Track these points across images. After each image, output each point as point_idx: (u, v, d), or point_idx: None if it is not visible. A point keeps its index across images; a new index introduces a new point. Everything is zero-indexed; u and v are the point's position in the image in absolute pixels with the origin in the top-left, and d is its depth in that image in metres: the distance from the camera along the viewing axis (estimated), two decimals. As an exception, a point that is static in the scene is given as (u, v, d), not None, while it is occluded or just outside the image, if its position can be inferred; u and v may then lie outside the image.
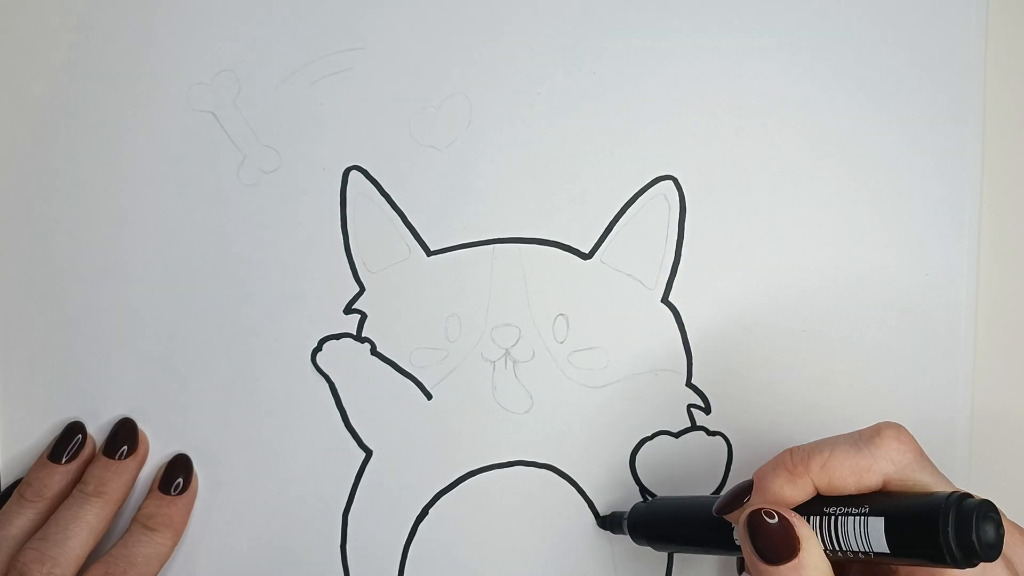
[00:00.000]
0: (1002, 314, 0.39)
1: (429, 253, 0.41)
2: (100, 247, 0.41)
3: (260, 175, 0.41)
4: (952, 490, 0.28)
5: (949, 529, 0.26)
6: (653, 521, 0.37)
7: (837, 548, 0.30)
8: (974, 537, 0.26)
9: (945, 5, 0.39)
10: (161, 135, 0.41)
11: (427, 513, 0.41)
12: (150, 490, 0.41)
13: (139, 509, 0.40)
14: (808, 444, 0.32)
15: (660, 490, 0.40)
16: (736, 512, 0.33)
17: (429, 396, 0.41)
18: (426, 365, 0.41)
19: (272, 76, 0.41)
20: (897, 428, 0.31)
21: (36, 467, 0.41)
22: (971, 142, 0.39)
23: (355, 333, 0.41)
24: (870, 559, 0.29)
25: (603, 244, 0.40)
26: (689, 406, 0.40)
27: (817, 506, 0.31)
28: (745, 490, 0.33)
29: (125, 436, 0.41)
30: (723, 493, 0.34)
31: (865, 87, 0.39)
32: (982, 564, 0.28)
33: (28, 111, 0.41)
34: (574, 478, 0.40)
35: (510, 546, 0.41)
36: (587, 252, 0.40)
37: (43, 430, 0.42)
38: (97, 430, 0.41)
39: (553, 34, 0.40)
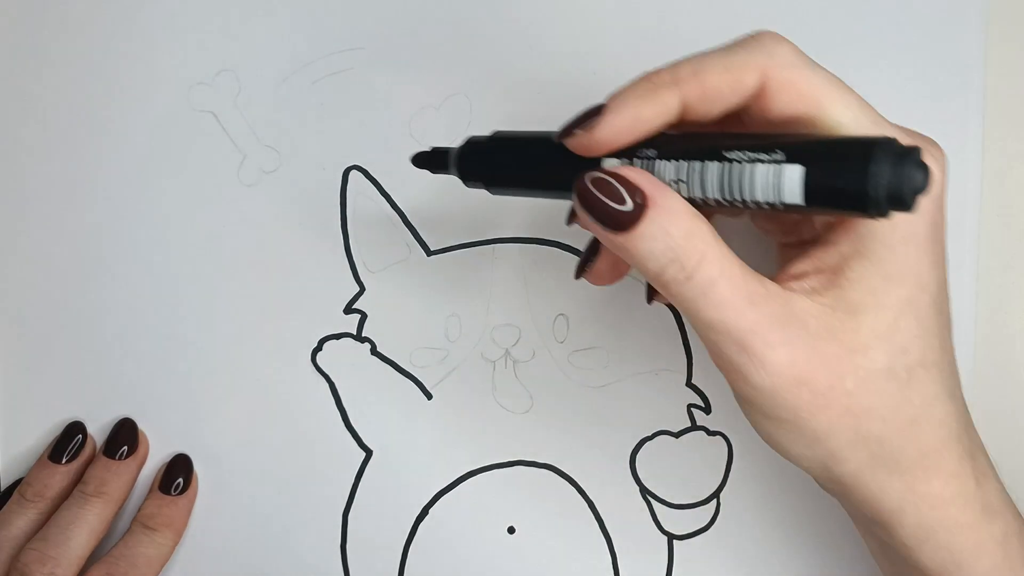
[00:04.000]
0: (1002, 314, 0.39)
1: (429, 253, 0.41)
2: (100, 247, 0.41)
3: (260, 175, 0.41)
4: (870, 132, 0.26)
5: (881, 178, 0.23)
6: (494, 150, 0.31)
7: (735, 199, 0.26)
8: (903, 183, 0.23)
9: (945, 5, 0.39)
10: (161, 135, 0.41)
11: (427, 513, 0.41)
12: (150, 490, 0.41)
13: (139, 509, 0.40)
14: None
15: (660, 490, 0.40)
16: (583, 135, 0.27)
17: (429, 396, 0.41)
18: (426, 365, 0.41)
19: (272, 76, 0.41)
20: (774, 33, 0.28)
21: (36, 467, 0.41)
22: (971, 141, 0.39)
23: (355, 333, 0.41)
24: (769, 210, 0.26)
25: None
26: (689, 406, 0.40)
27: (713, 150, 0.26)
28: (595, 110, 0.27)
29: (125, 436, 0.41)
30: (572, 120, 0.28)
31: (865, 87, 0.39)
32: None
33: (28, 111, 0.41)
34: (574, 478, 0.41)
35: (510, 546, 0.41)
36: (587, 252, 0.40)
37: (43, 430, 0.42)
38: (97, 430, 0.41)
39: (554, 34, 0.40)
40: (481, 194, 0.40)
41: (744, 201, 0.26)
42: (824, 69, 0.28)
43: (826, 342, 0.27)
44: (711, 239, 0.27)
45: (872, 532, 0.32)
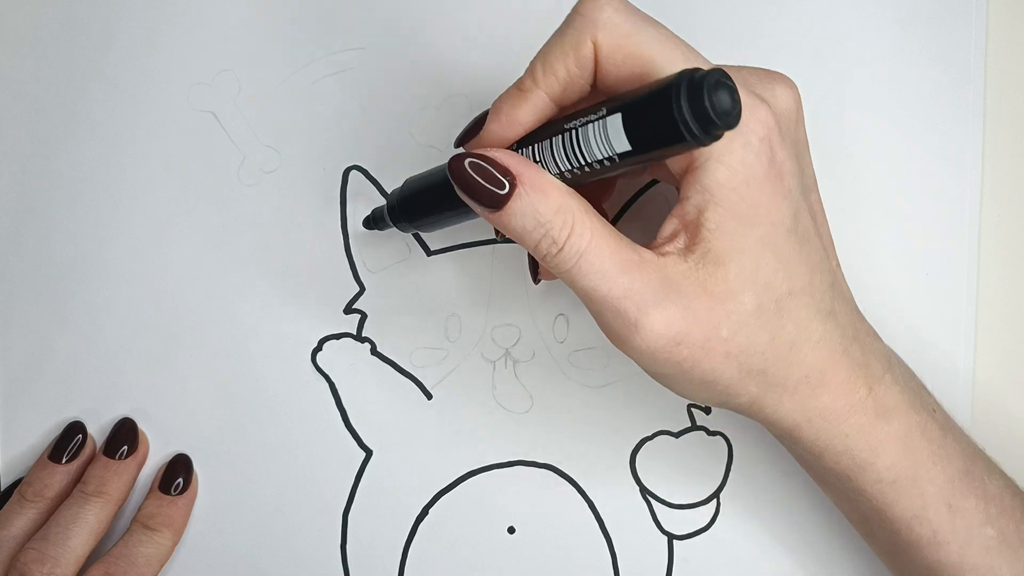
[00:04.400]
0: (1002, 314, 0.39)
1: (429, 253, 0.41)
2: (100, 247, 0.41)
3: (260, 175, 0.41)
4: (684, 66, 0.27)
5: (683, 103, 0.25)
6: (407, 196, 0.35)
7: (583, 163, 0.28)
8: (708, 105, 0.25)
9: (945, 5, 0.39)
10: (161, 135, 0.41)
11: (427, 513, 0.41)
12: (150, 490, 0.41)
13: (139, 509, 0.40)
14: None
15: (660, 490, 0.40)
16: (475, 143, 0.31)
17: (429, 396, 0.41)
18: (426, 365, 0.41)
19: (272, 76, 0.41)
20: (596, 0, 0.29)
21: (36, 467, 0.41)
22: (971, 142, 0.39)
23: (355, 333, 0.41)
24: (617, 165, 0.28)
25: (603, 244, 0.40)
26: (689, 406, 0.40)
27: (558, 125, 0.29)
28: (480, 119, 0.31)
29: (125, 436, 0.41)
30: (466, 126, 0.31)
31: (865, 87, 0.39)
32: (731, 134, 0.27)
33: (28, 111, 0.41)
34: (574, 478, 0.41)
35: (510, 546, 0.41)
36: (587, 252, 0.40)
37: (43, 430, 0.42)
38: (97, 430, 0.41)
39: (553, 34, 0.40)
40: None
41: (589, 163, 0.28)
42: (651, 22, 0.29)
43: (698, 298, 0.29)
44: (580, 212, 0.29)
45: (787, 446, 0.34)
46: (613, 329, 0.29)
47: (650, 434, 0.40)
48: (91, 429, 0.41)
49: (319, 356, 0.41)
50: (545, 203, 0.28)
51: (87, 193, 0.41)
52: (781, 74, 0.31)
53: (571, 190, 0.29)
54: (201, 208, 0.41)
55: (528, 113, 0.30)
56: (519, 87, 0.30)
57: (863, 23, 0.39)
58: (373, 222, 0.38)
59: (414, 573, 0.41)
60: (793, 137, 0.30)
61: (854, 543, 0.40)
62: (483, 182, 0.29)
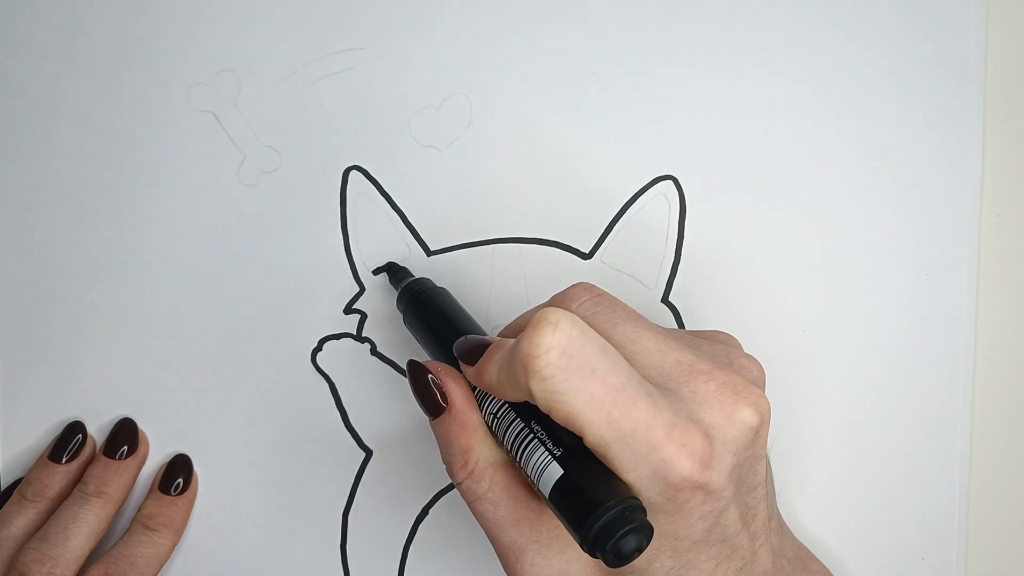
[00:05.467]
0: (1002, 314, 0.39)
1: (429, 253, 0.41)
2: (100, 247, 0.41)
3: (260, 175, 0.41)
4: (625, 493, 0.27)
5: (591, 533, 0.26)
6: (415, 309, 0.37)
7: (518, 456, 0.29)
8: (610, 547, 0.26)
9: (945, 5, 0.39)
10: (161, 135, 0.41)
11: (427, 513, 0.41)
12: (150, 490, 0.41)
13: (139, 509, 0.40)
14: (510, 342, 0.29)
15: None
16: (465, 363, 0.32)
17: (429, 396, 0.41)
18: (426, 365, 0.41)
19: (272, 76, 0.41)
20: (543, 323, 0.27)
21: (36, 467, 0.41)
22: (971, 142, 0.39)
23: (355, 333, 0.41)
24: (533, 485, 0.29)
25: (603, 244, 0.40)
26: (689, 406, 0.40)
27: (530, 412, 0.29)
28: (482, 347, 0.30)
29: (125, 436, 0.41)
30: (468, 341, 0.32)
31: (865, 87, 0.39)
32: (669, 517, 0.28)
33: (28, 111, 0.41)
34: (574, 478, 0.40)
35: (510, 546, 0.41)
36: (587, 252, 0.40)
37: (43, 430, 0.42)
38: (97, 430, 0.41)
39: (553, 34, 0.40)
40: (481, 194, 0.40)
41: (521, 464, 0.29)
42: (587, 369, 0.27)
43: (582, 566, 0.30)
44: (483, 462, 0.31)
45: None
46: (500, 560, 0.31)
47: (650, 434, 0.40)
48: (91, 429, 0.41)
49: (319, 356, 0.41)
50: (459, 438, 0.31)
51: (87, 193, 0.41)
52: (753, 394, 0.29)
53: (489, 439, 0.31)
54: (201, 208, 0.41)
55: (514, 394, 0.29)
56: (493, 366, 0.29)
57: (863, 23, 0.39)
58: (386, 272, 0.40)
59: (414, 573, 0.41)
60: (740, 459, 0.29)
61: (853, 543, 0.40)
62: (429, 393, 0.31)
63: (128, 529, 0.40)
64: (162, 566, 0.40)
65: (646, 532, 0.26)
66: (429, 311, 0.36)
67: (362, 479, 0.41)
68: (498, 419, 0.30)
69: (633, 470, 0.27)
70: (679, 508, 0.28)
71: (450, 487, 0.41)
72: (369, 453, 0.41)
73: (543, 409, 0.27)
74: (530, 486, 0.31)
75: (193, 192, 0.41)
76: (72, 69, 0.41)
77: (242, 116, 0.41)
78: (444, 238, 0.40)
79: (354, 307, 0.41)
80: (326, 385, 0.41)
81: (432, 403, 0.31)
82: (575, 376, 0.26)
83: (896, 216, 0.39)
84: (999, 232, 0.39)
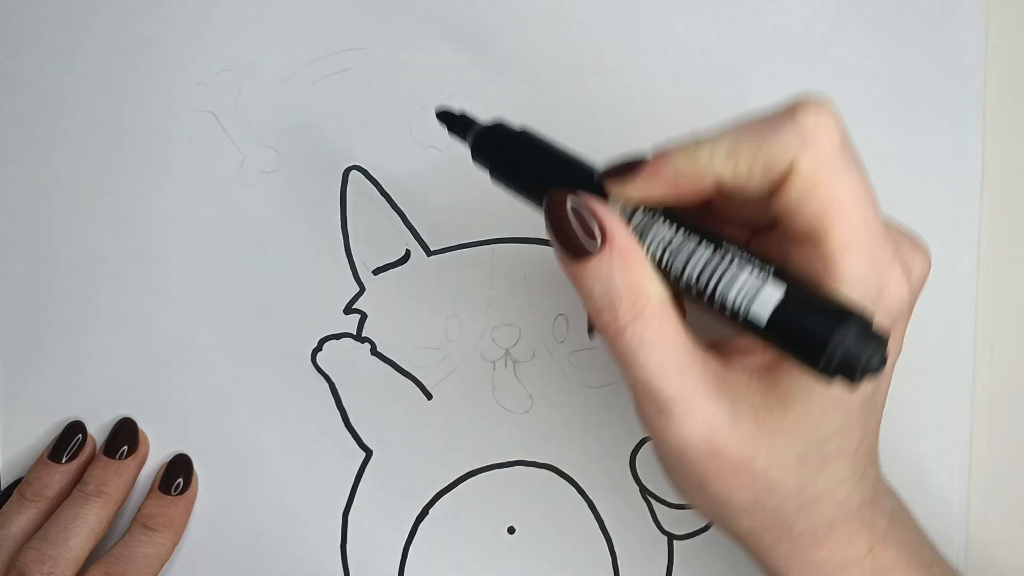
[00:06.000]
0: (1002, 314, 0.39)
1: (429, 253, 0.41)
2: (100, 247, 0.41)
3: (260, 175, 0.41)
4: (865, 273, 0.25)
5: (839, 347, 0.24)
6: (509, 145, 0.31)
7: (704, 287, 0.26)
8: (858, 363, 0.24)
9: (945, 5, 0.39)
10: (161, 135, 0.41)
11: (427, 513, 0.41)
12: (150, 490, 0.41)
13: (139, 509, 0.40)
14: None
15: (661, 490, 0.40)
16: (617, 184, 0.27)
17: (429, 396, 0.41)
18: (426, 365, 0.41)
19: (272, 76, 0.41)
20: (819, 104, 0.26)
21: (36, 467, 0.41)
22: (971, 142, 0.39)
23: (355, 333, 0.41)
24: (734, 319, 0.26)
25: (603, 244, 0.40)
26: (689, 406, 0.40)
27: (715, 235, 0.27)
28: (638, 161, 0.27)
29: (125, 436, 0.41)
30: (616, 160, 0.28)
31: (865, 87, 0.39)
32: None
33: (28, 111, 0.41)
34: (574, 478, 0.41)
35: (510, 546, 0.41)
36: (587, 252, 0.40)
37: (43, 430, 0.42)
38: (97, 430, 0.41)
39: (553, 34, 0.40)
40: (481, 194, 0.40)
41: (712, 295, 0.26)
42: (855, 166, 0.26)
43: (748, 421, 0.27)
44: (656, 299, 0.27)
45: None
46: (650, 422, 0.28)
47: (650, 434, 0.40)
48: (91, 429, 0.41)
49: (319, 356, 0.41)
50: (624, 275, 0.26)
51: (87, 193, 0.41)
52: (922, 243, 0.29)
53: (655, 274, 0.27)
54: (201, 208, 0.41)
55: (695, 186, 0.27)
56: (692, 155, 0.26)
57: (863, 23, 0.39)
58: (451, 122, 0.33)
59: (414, 573, 0.41)
60: (910, 312, 0.28)
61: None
62: (577, 228, 0.27)
63: (128, 529, 0.40)
64: (162, 566, 0.40)
65: (885, 344, 0.24)
66: (532, 153, 0.30)
67: (362, 479, 0.41)
68: (671, 248, 0.27)
69: (864, 281, 0.25)
70: None
71: (450, 487, 0.41)
72: (369, 453, 0.41)
73: (791, 198, 0.25)
74: (691, 333, 0.28)
75: (193, 192, 0.41)
76: (72, 69, 0.41)
77: (242, 116, 0.41)
78: (444, 238, 0.40)
79: (354, 307, 0.41)
80: (326, 385, 0.41)
81: (589, 234, 0.26)
82: (847, 159, 0.25)
83: (896, 216, 0.39)
84: (999, 232, 0.39)
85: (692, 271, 0.26)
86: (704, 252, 0.26)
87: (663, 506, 0.40)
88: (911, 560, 0.31)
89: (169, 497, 0.40)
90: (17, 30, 0.41)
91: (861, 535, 0.30)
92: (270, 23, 0.41)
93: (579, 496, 0.41)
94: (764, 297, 0.25)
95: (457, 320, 0.40)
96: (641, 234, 0.27)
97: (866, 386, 0.28)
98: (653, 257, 0.27)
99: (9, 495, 0.40)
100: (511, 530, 0.41)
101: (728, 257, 0.26)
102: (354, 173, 0.41)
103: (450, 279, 0.40)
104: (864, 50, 0.39)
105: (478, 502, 0.41)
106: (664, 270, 0.27)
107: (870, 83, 0.39)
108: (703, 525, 0.40)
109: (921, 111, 0.39)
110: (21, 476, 0.41)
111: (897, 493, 0.34)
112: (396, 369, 0.41)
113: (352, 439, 0.41)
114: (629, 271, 0.27)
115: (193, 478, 0.41)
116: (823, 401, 0.27)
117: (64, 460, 0.40)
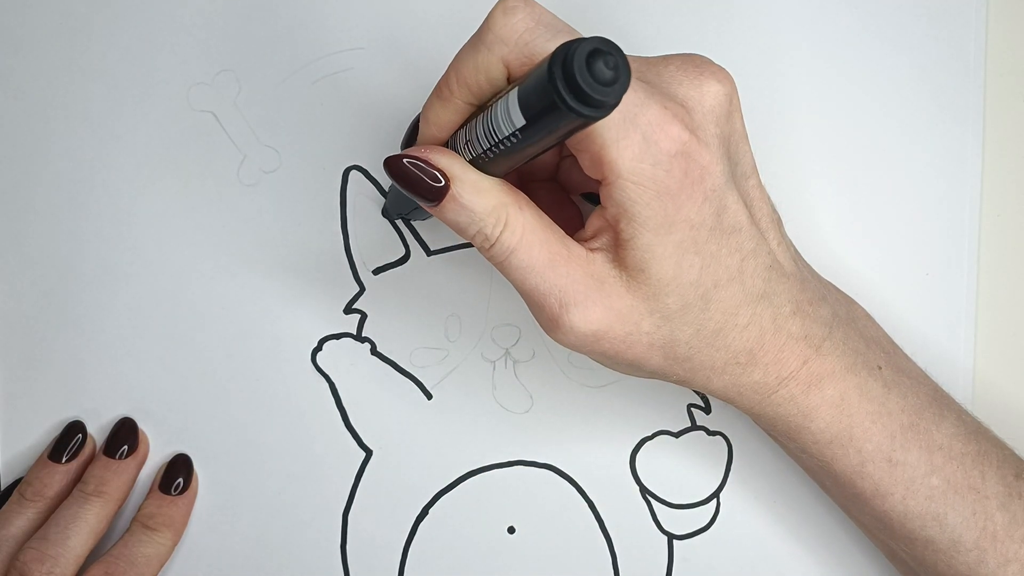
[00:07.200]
0: (1002, 314, 0.39)
1: (429, 253, 0.41)
2: (100, 247, 0.41)
3: (260, 175, 0.41)
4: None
5: (557, 71, 0.24)
6: (391, 191, 0.37)
7: (496, 141, 0.28)
8: (581, 78, 0.23)
9: (945, 5, 0.39)
10: (161, 135, 0.41)
11: (427, 513, 0.41)
12: (150, 490, 0.41)
13: (139, 509, 0.40)
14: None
15: (660, 490, 0.40)
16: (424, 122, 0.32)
17: (429, 396, 0.41)
18: (426, 365, 0.41)
19: (272, 76, 0.41)
20: (505, 7, 0.28)
21: (36, 467, 0.41)
22: (971, 142, 0.39)
23: (355, 333, 0.41)
24: (523, 142, 0.27)
25: (603, 244, 0.40)
26: (689, 406, 0.40)
27: (484, 107, 0.29)
28: (414, 125, 0.32)
29: (125, 436, 0.41)
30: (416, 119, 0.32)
31: (865, 87, 0.39)
32: (639, 152, 0.28)
33: (28, 111, 0.41)
34: (574, 478, 0.41)
35: (510, 546, 0.41)
36: (587, 252, 0.40)
37: (43, 430, 0.42)
38: (97, 430, 0.41)
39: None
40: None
41: (500, 140, 0.28)
42: (561, 30, 0.28)
43: (621, 298, 0.30)
44: (514, 208, 0.30)
45: None
46: (541, 321, 0.31)
47: (650, 434, 0.40)
48: (91, 429, 0.41)
49: (319, 356, 0.41)
50: (477, 200, 0.29)
51: (87, 193, 0.41)
52: (713, 66, 0.31)
53: (506, 185, 0.30)
54: (201, 208, 0.41)
55: (452, 116, 0.30)
56: (439, 95, 0.30)
57: (863, 23, 0.39)
58: (384, 213, 0.40)
59: (414, 573, 0.41)
60: (723, 132, 0.30)
61: (854, 542, 0.40)
62: (421, 176, 0.29)
63: (128, 529, 0.40)
64: (162, 566, 0.40)
65: (622, 63, 0.24)
66: (399, 193, 0.35)
67: (362, 479, 0.41)
68: (471, 140, 0.29)
69: (624, 138, 0.28)
70: (680, 184, 0.28)
71: (450, 487, 0.41)
72: (369, 453, 0.41)
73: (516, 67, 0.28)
74: (553, 226, 0.30)
75: (193, 192, 0.41)
76: (72, 69, 0.41)
77: (242, 116, 0.41)
78: (444, 238, 0.40)
79: (354, 307, 0.41)
80: (326, 385, 0.41)
81: (432, 178, 0.29)
82: (551, 27, 0.28)
83: (896, 216, 0.39)
84: (999, 232, 0.39)
85: (483, 140, 0.28)
86: (479, 120, 0.29)
87: (663, 506, 0.40)
88: (854, 364, 0.33)
89: (169, 497, 0.40)
90: (17, 30, 0.41)
91: (791, 349, 0.32)
92: (270, 23, 0.41)
93: (579, 496, 0.41)
94: (511, 106, 0.26)
95: (457, 320, 0.40)
96: (457, 149, 0.30)
97: (703, 210, 0.29)
98: (474, 161, 0.30)
99: (9, 495, 0.40)
100: (511, 530, 0.41)
101: (490, 107, 0.28)
102: (354, 173, 0.41)
103: (450, 279, 0.40)
104: (864, 50, 0.39)
105: (478, 502, 0.41)
106: (483, 159, 0.29)
107: (870, 83, 0.39)
108: (703, 525, 0.40)
109: (921, 111, 0.39)
110: (21, 476, 0.41)
111: (848, 298, 0.35)
112: (396, 369, 0.41)
113: (352, 439, 0.41)
114: (480, 193, 0.29)
115: (193, 478, 0.41)
116: (669, 253, 0.29)
117: (64, 460, 0.40)
